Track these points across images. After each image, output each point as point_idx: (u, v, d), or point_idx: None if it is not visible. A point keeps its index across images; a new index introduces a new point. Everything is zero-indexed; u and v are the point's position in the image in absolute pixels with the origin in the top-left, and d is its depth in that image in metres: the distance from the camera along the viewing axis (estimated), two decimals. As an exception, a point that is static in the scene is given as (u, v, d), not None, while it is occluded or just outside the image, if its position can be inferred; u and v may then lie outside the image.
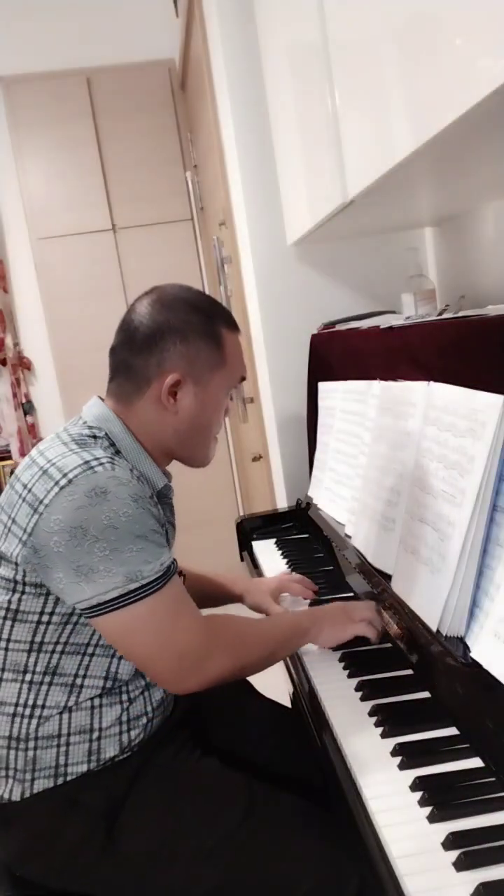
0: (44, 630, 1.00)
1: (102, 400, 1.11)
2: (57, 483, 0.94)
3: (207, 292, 1.15)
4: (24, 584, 0.98)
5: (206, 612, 1.20)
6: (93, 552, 0.93)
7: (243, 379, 1.17)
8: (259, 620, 1.19)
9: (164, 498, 1.14)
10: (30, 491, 0.97)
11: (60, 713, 1.01)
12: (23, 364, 3.30)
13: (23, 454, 3.21)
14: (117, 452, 1.05)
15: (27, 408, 3.31)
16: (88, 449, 1.00)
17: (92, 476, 0.94)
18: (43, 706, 1.01)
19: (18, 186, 3.17)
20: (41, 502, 0.94)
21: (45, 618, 0.99)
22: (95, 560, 0.93)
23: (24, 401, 3.30)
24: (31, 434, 3.31)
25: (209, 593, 1.38)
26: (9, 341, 3.23)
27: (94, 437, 1.04)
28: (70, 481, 0.94)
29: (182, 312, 1.07)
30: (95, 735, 1.02)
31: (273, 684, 1.45)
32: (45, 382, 3.34)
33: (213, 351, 1.09)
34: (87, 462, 0.96)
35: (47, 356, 3.30)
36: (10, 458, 3.25)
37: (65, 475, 0.95)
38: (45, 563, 0.95)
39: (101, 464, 0.96)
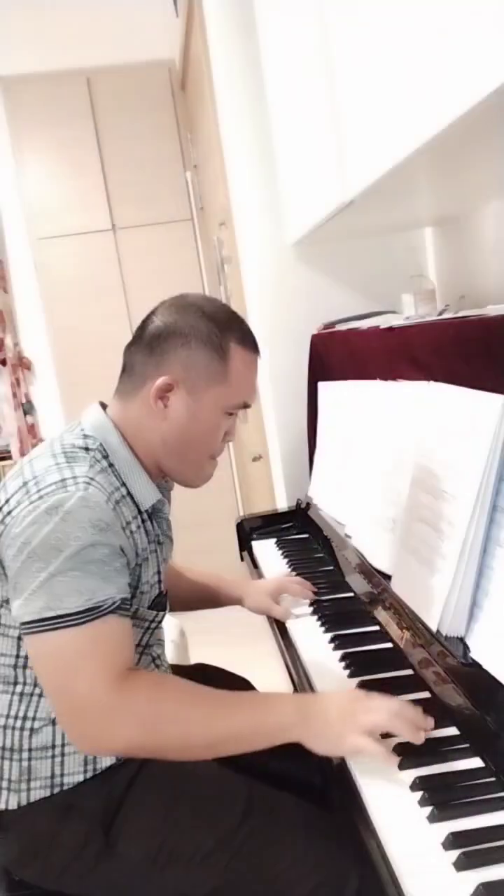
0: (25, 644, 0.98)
1: (104, 406, 1.09)
2: (29, 497, 0.92)
3: (207, 292, 1.11)
4: (4, 597, 0.98)
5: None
6: (29, 570, 0.89)
7: (247, 406, 1.09)
8: (218, 696, 0.94)
9: (157, 512, 1.10)
10: (7, 501, 0.96)
11: (53, 724, 1.00)
12: (23, 364, 3.30)
13: (23, 454, 3.21)
14: (110, 465, 1.02)
15: (27, 408, 3.31)
16: (73, 465, 0.96)
17: (61, 494, 0.91)
18: (34, 718, 1.00)
19: (18, 186, 3.17)
20: (10, 514, 0.93)
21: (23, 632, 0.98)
22: (28, 579, 0.89)
23: (24, 401, 3.30)
24: (30, 434, 3.30)
25: (208, 596, 1.37)
26: (9, 341, 3.23)
27: (87, 448, 1.01)
28: (41, 497, 0.91)
29: (193, 318, 1.03)
30: None
31: (273, 684, 1.45)
32: (45, 382, 3.34)
33: (214, 363, 1.03)
34: (63, 480, 0.93)
35: (47, 356, 3.30)
36: (10, 458, 3.25)
37: (38, 491, 0.92)
38: (5, 574, 0.95)
39: (77, 483, 0.92)
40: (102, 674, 0.89)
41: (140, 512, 1.04)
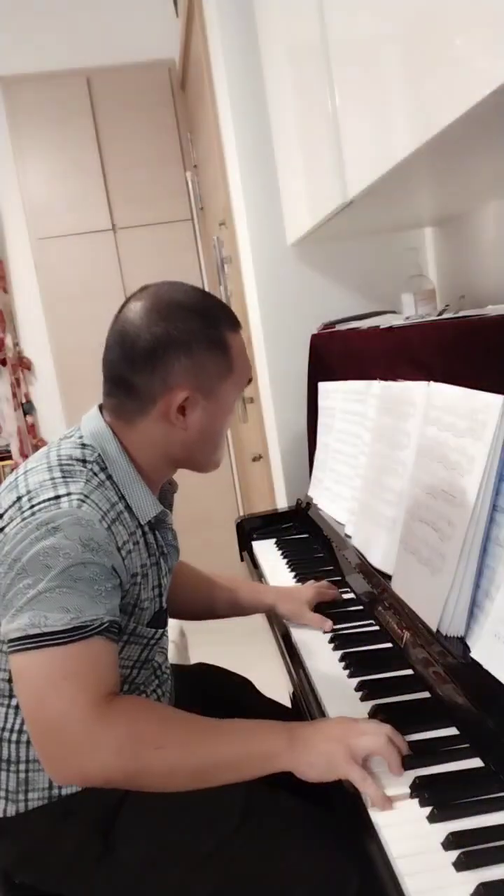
0: None
1: (102, 411, 1.06)
2: (21, 513, 0.91)
3: (167, 281, 1.06)
4: None
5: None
6: (17, 587, 0.88)
7: (250, 381, 1.09)
8: (202, 723, 0.91)
9: (160, 523, 1.07)
10: (1, 517, 0.94)
11: None
12: (23, 364, 3.30)
13: (23, 454, 3.21)
14: (109, 477, 0.99)
15: (27, 408, 3.31)
16: (69, 482, 0.93)
17: (54, 510, 0.89)
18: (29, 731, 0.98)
19: (18, 186, 3.17)
20: (2, 530, 0.92)
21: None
22: (16, 595, 0.88)
23: (23, 401, 3.30)
24: (30, 434, 3.31)
25: (240, 603, 1.34)
26: (9, 341, 3.23)
27: (85, 461, 0.97)
28: (33, 513, 0.90)
29: (182, 321, 0.98)
30: None
31: (273, 684, 1.45)
32: (44, 382, 3.34)
33: (219, 359, 1.00)
34: (57, 497, 0.91)
35: (47, 356, 3.30)
36: (10, 458, 3.25)
37: (31, 507, 0.90)
38: None
39: (70, 500, 0.90)
40: (81, 696, 0.85)
41: (140, 525, 1.02)
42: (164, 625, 1.10)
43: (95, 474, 0.97)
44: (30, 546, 0.88)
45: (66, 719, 0.85)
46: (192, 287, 1.05)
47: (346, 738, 0.86)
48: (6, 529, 0.91)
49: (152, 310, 0.99)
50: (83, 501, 0.91)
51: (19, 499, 0.93)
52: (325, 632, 1.23)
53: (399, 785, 0.82)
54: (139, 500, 1.01)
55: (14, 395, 3.24)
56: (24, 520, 0.90)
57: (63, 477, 0.94)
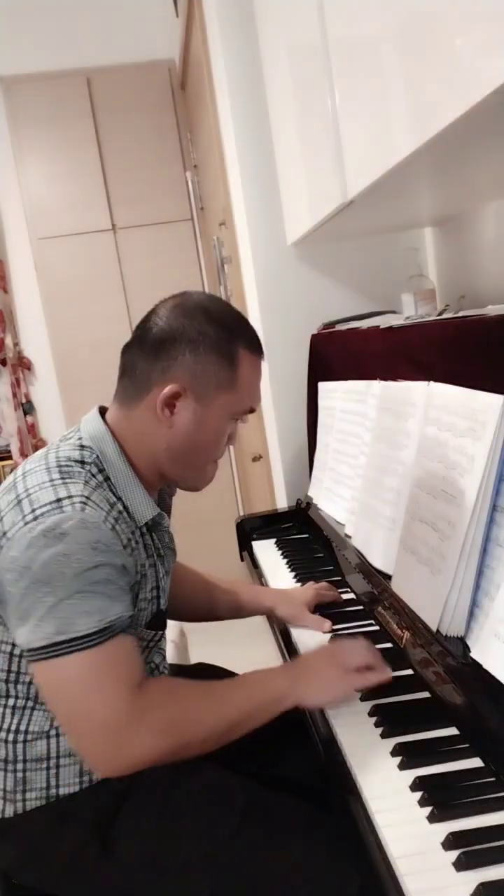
0: (17, 661, 0.97)
1: (102, 413, 1.06)
2: (24, 518, 0.90)
3: (207, 292, 1.08)
4: None
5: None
6: (34, 596, 0.88)
7: (252, 411, 1.08)
8: (219, 687, 1.00)
9: (157, 526, 1.07)
10: (1, 520, 0.94)
11: (47, 737, 0.99)
12: (23, 364, 3.30)
13: (23, 454, 3.21)
14: (106, 479, 0.99)
15: (27, 408, 3.31)
16: (68, 483, 0.93)
17: (58, 515, 0.89)
18: (26, 731, 0.99)
19: (18, 186, 3.16)
20: (5, 534, 0.91)
21: (16, 650, 0.96)
22: (34, 604, 0.88)
23: (23, 401, 3.30)
24: (30, 434, 3.30)
25: (239, 605, 1.34)
26: (9, 341, 3.23)
27: (83, 462, 0.98)
28: (35, 518, 0.89)
29: (200, 322, 0.99)
30: None
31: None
32: (45, 382, 3.34)
33: (224, 370, 1.00)
34: (59, 500, 0.91)
35: (47, 356, 3.30)
36: (10, 458, 3.25)
37: (33, 510, 0.90)
38: (2, 597, 0.92)
39: (72, 503, 0.90)
40: (122, 691, 0.90)
41: (138, 527, 1.02)
42: (163, 626, 1.10)
43: (94, 476, 0.98)
44: (39, 553, 0.88)
45: (111, 715, 0.89)
46: (227, 304, 1.09)
47: (336, 659, 1.00)
48: (9, 534, 0.91)
49: (179, 307, 1.02)
50: (85, 504, 0.91)
51: (19, 501, 0.93)
52: (324, 632, 1.24)
53: (399, 785, 0.82)
54: (136, 502, 1.01)
55: (14, 395, 3.24)
56: (26, 524, 0.89)
57: (62, 478, 0.94)
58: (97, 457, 1.00)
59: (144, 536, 1.03)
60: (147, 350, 1.01)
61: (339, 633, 1.21)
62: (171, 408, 1.00)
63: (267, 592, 1.37)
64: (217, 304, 1.05)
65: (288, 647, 1.25)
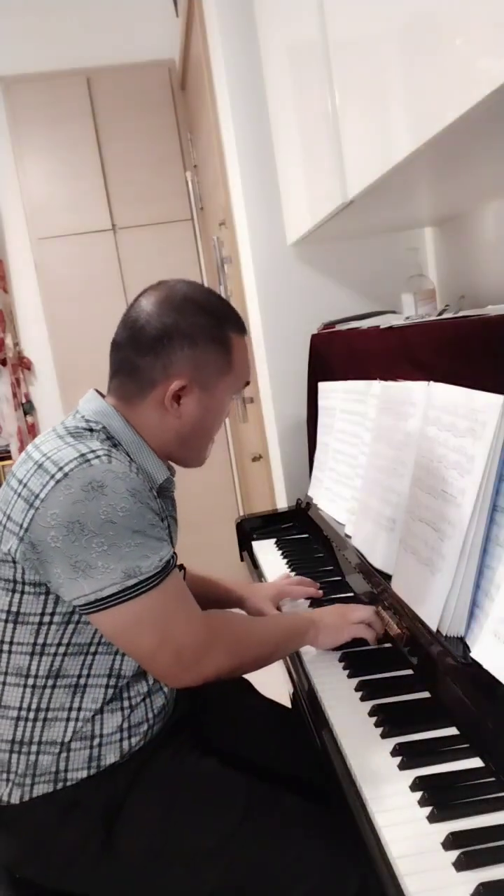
0: (45, 631, 0.99)
1: (100, 394, 1.09)
2: (53, 477, 0.93)
3: (184, 279, 1.11)
4: (24, 583, 0.97)
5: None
6: (90, 547, 0.91)
7: (247, 384, 1.15)
8: (258, 620, 1.20)
9: (164, 491, 1.12)
10: (25, 486, 0.95)
11: (67, 717, 1.00)
12: (23, 364, 3.30)
13: (23, 454, 3.21)
14: (115, 445, 1.03)
15: (27, 408, 3.31)
16: (84, 441, 0.98)
17: (88, 469, 0.93)
18: (47, 709, 1.00)
19: (18, 186, 3.16)
20: (37, 497, 0.93)
21: (46, 618, 0.98)
22: (93, 556, 0.91)
23: (24, 401, 3.30)
24: (30, 434, 3.30)
25: (209, 596, 1.36)
26: (9, 341, 3.23)
27: (91, 430, 1.02)
28: (66, 475, 0.92)
29: (191, 315, 1.04)
30: (96, 742, 1.01)
31: (273, 684, 1.45)
32: (45, 382, 3.34)
33: (221, 356, 1.06)
34: (83, 455, 0.94)
35: (47, 356, 3.30)
36: (10, 458, 3.25)
37: (60, 468, 0.93)
38: (44, 558, 0.94)
39: (98, 456, 0.94)
40: (193, 618, 1.00)
41: (150, 488, 1.05)
42: (184, 579, 1.13)
43: (103, 440, 1.02)
44: (83, 508, 0.91)
45: (190, 637, 0.98)
46: (206, 288, 1.13)
47: (345, 613, 1.16)
48: (41, 494, 0.93)
49: (165, 301, 1.05)
50: (109, 456, 0.96)
51: (40, 465, 0.96)
52: None
53: (399, 785, 0.82)
54: (148, 465, 1.06)
55: (14, 395, 3.24)
56: (58, 482, 0.92)
57: (76, 439, 0.99)
58: (104, 427, 1.04)
59: (157, 499, 1.07)
60: (143, 349, 1.04)
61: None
62: (178, 400, 1.05)
63: (238, 586, 1.39)
64: (200, 293, 1.09)
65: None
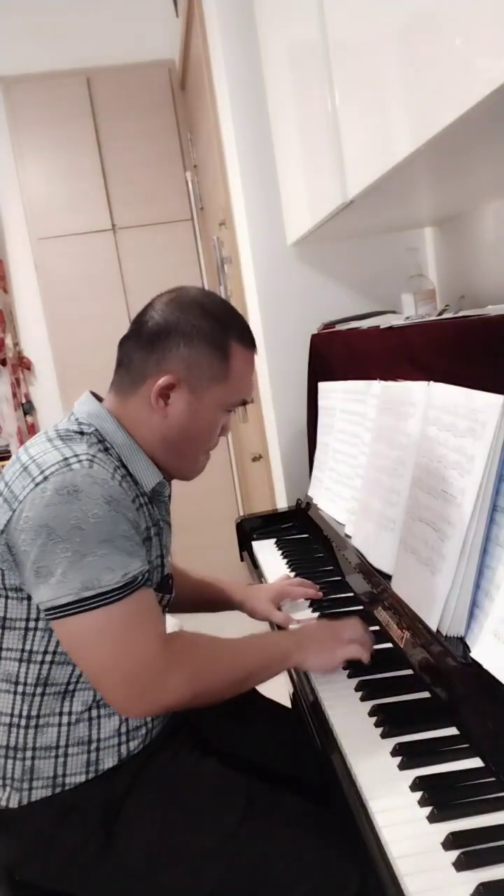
0: (32, 637, 0.98)
1: (96, 396, 1.08)
2: (33, 479, 0.92)
3: (203, 288, 1.11)
4: (6, 587, 0.96)
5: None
6: (54, 553, 0.89)
7: (245, 403, 1.11)
8: (232, 643, 1.06)
9: (158, 495, 1.09)
10: (9, 488, 0.95)
11: (58, 725, 0.99)
12: (23, 364, 3.30)
13: (23, 454, 3.21)
14: (106, 449, 1.01)
15: (27, 408, 3.31)
16: (71, 444, 0.96)
17: (67, 473, 0.91)
18: (38, 716, 0.99)
19: (18, 186, 3.16)
20: (16, 498, 0.93)
21: (31, 624, 0.97)
22: (55, 562, 0.89)
23: (23, 401, 3.30)
24: (31, 434, 3.30)
25: (208, 598, 1.36)
26: (9, 341, 3.23)
27: (82, 433, 1.01)
28: (45, 478, 0.91)
29: (194, 315, 1.03)
30: (94, 746, 1.01)
31: (273, 684, 1.44)
32: (45, 382, 3.34)
33: (216, 361, 1.04)
34: (65, 458, 0.93)
35: (47, 356, 3.30)
36: (9, 458, 3.25)
37: (42, 472, 0.92)
38: (17, 560, 0.93)
39: (80, 461, 0.93)
40: (151, 640, 0.94)
41: (141, 493, 1.04)
42: (171, 591, 1.13)
43: (93, 444, 1.00)
44: (55, 511, 0.89)
45: (144, 664, 0.93)
46: (221, 298, 1.12)
47: (335, 631, 1.09)
48: (20, 496, 0.92)
49: (174, 301, 1.05)
50: (92, 461, 0.94)
51: (25, 467, 0.95)
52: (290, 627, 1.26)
53: (399, 785, 0.82)
54: (140, 469, 1.04)
55: (14, 395, 3.24)
56: (37, 485, 0.91)
57: (64, 442, 0.97)
58: (96, 430, 1.03)
59: (146, 505, 1.06)
60: (143, 342, 1.04)
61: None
62: (165, 398, 1.03)
63: (237, 588, 1.38)
64: (212, 299, 1.08)
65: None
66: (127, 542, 0.93)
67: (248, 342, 1.08)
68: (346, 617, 1.15)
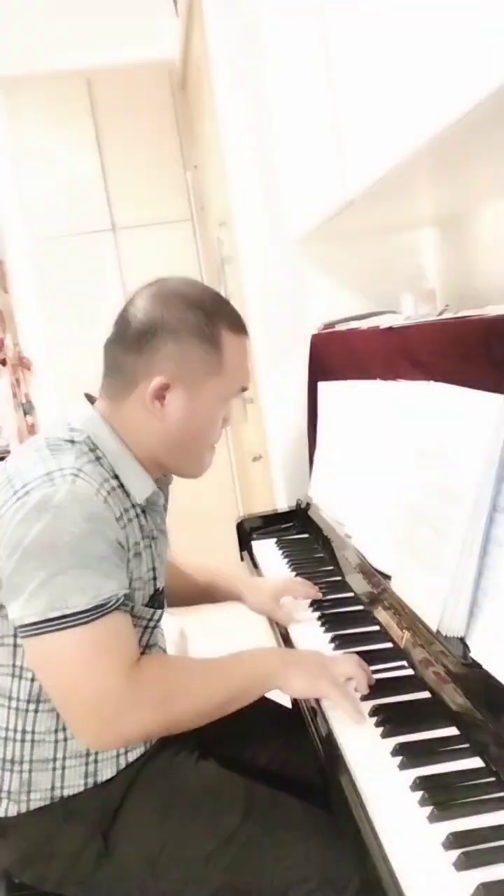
0: (21, 653, 0.96)
1: (91, 399, 1.05)
2: (15, 493, 0.89)
3: (183, 277, 1.07)
4: None
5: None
6: (25, 570, 0.87)
7: (244, 389, 1.07)
8: (213, 665, 1.00)
9: (152, 505, 1.05)
10: None
11: (55, 739, 0.98)
12: (23, 364, 3.30)
13: (23, 454, 3.21)
14: (97, 459, 0.97)
15: (27, 408, 3.31)
16: (58, 456, 0.92)
17: (48, 489, 0.88)
18: (33, 731, 0.98)
19: (18, 186, 3.16)
20: None
21: (19, 641, 0.95)
22: (26, 579, 0.87)
23: (23, 401, 3.30)
24: (30, 434, 3.30)
25: (208, 588, 1.34)
26: (9, 341, 3.23)
27: (73, 441, 0.97)
28: (27, 492, 0.88)
29: (178, 309, 0.98)
30: (92, 758, 0.99)
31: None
32: (45, 382, 3.33)
33: (208, 355, 0.99)
34: (48, 473, 0.90)
35: (47, 356, 3.30)
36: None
37: (24, 485, 0.89)
38: None
39: (63, 475, 0.89)
40: (114, 669, 0.89)
41: (133, 505, 1.00)
42: (162, 606, 1.09)
43: (84, 453, 0.96)
44: (30, 527, 0.86)
45: (104, 693, 0.88)
46: (203, 285, 1.06)
47: (327, 666, 0.98)
48: (0, 510, 0.90)
49: (155, 296, 1.01)
50: (76, 475, 0.90)
51: (10, 480, 0.92)
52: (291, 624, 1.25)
53: (399, 785, 0.82)
54: (132, 479, 1.00)
55: (14, 395, 3.24)
56: (18, 500, 0.88)
57: (52, 453, 0.94)
58: (88, 437, 0.98)
59: (139, 517, 1.02)
60: (128, 345, 0.99)
61: (340, 632, 1.21)
62: (161, 400, 0.99)
63: (239, 581, 1.35)
64: (194, 288, 1.03)
65: (288, 647, 1.24)
66: (103, 562, 0.89)
67: (239, 328, 1.03)
68: (345, 653, 1.07)
